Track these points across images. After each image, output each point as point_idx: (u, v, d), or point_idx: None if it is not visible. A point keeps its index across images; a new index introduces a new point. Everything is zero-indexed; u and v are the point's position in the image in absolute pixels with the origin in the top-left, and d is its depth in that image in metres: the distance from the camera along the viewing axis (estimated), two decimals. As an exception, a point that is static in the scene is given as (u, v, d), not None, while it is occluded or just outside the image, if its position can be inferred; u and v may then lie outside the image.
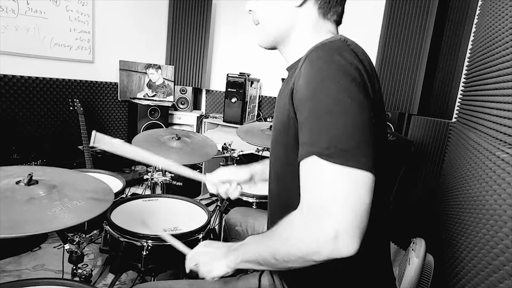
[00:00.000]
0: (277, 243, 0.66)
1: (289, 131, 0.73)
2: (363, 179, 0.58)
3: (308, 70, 0.66)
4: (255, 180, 1.12)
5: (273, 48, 0.86)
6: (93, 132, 0.95)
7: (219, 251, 0.79)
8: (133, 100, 3.40)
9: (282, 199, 0.84)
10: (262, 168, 1.12)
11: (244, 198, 1.67)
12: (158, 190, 2.02)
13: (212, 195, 2.53)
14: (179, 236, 1.24)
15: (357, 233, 0.56)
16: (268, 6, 0.81)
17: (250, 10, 0.84)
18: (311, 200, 0.61)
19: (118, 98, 3.39)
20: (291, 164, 0.74)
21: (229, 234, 1.31)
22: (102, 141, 0.96)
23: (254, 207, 1.64)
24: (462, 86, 2.13)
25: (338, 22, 0.83)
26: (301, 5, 0.78)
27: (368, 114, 0.62)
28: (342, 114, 0.60)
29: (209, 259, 0.79)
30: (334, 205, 0.57)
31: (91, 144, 0.97)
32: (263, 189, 1.71)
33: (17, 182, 0.98)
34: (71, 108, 2.59)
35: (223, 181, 1.10)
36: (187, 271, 0.84)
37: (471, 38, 2.15)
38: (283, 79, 4.22)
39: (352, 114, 0.61)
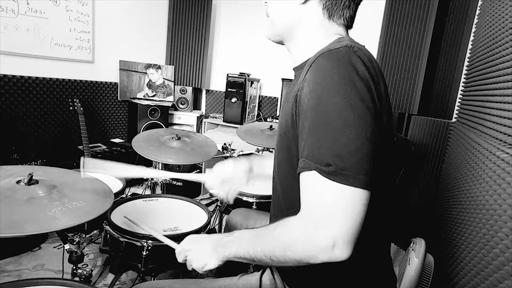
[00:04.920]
0: (274, 245, 0.68)
1: (292, 136, 0.73)
2: (360, 196, 0.61)
3: (313, 79, 0.66)
4: (253, 173, 1.11)
5: (280, 42, 0.87)
6: (82, 159, 0.98)
7: (207, 247, 0.81)
8: (133, 100, 3.40)
9: (284, 201, 0.84)
10: (260, 161, 1.13)
11: (244, 198, 1.67)
12: (158, 190, 2.02)
13: (212, 195, 2.54)
14: (179, 236, 1.24)
15: (351, 241, 0.61)
16: (276, 1, 0.83)
17: (265, 2, 0.86)
18: (311, 210, 0.64)
19: (118, 98, 3.39)
20: (293, 167, 0.75)
21: None
22: (92, 166, 0.99)
23: (254, 207, 1.64)
24: (462, 86, 2.13)
25: (347, 26, 0.82)
26: (304, 2, 0.78)
27: (372, 127, 0.62)
28: (345, 130, 0.61)
29: (200, 256, 0.81)
30: (332, 218, 0.61)
31: (81, 172, 0.98)
32: (263, 189, 1.71)
33: (18, 182, 0.98)
34: (71, 108, 2.59)
35: (224, 180, 1.09)
36: (180, 261, 0.87)
37: (471, 38, 2.15)
38: (283, 79, 4.17)
39: (355, 130, 0.61)
